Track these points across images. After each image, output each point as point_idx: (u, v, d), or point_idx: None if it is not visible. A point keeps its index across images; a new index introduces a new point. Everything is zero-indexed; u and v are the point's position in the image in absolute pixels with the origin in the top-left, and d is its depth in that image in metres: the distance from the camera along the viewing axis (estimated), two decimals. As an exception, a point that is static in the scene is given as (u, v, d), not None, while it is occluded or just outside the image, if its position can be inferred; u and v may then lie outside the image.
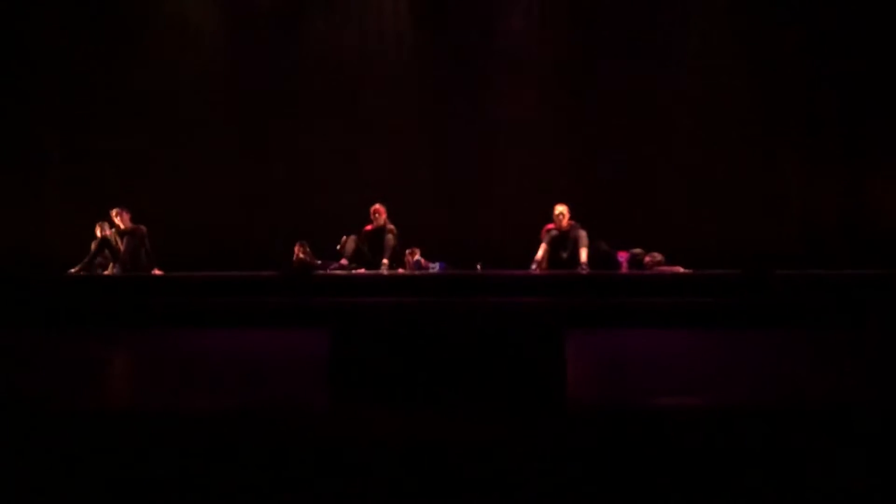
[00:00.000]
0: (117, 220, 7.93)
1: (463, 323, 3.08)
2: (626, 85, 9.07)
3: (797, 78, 8.98)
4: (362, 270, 7.82)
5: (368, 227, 8.10)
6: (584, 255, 7.46)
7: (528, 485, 2.33)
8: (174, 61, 9.36)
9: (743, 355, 4.81)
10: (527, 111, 9.23)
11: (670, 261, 7.68)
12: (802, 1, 8.96)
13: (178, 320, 6.27)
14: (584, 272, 7.29)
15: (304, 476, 2.38)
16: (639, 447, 2.49)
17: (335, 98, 9.36)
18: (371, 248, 8.01)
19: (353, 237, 8.02)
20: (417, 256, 8.11)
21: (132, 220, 7.98)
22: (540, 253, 7.69)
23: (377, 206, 8.10)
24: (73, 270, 7.72)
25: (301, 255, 8.05)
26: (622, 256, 7.77)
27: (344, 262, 7.86)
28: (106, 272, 7.80)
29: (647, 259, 7.66)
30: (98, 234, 7.95)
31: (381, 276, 7.44)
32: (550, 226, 7.80)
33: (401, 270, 7.95)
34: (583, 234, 7.59)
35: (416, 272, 7.91)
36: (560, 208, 7.79)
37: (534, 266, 7.60)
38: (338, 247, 8.02)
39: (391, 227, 8.05)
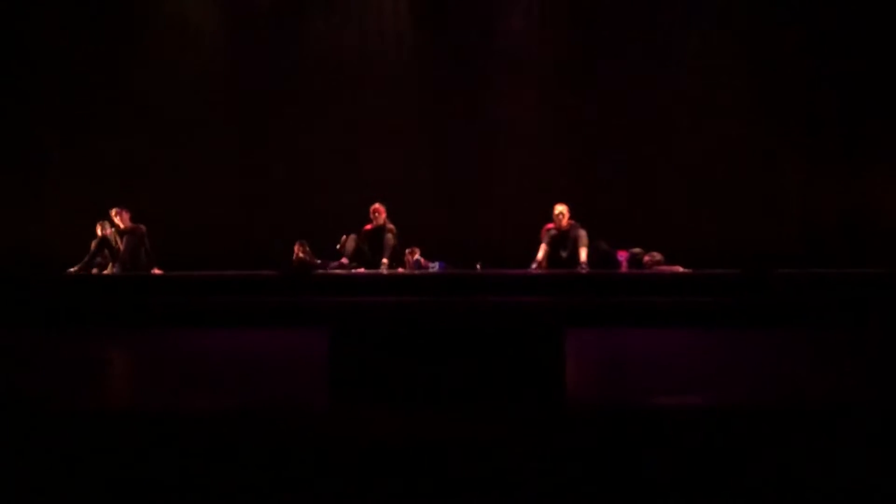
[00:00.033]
0: (117, 220, 7.93)
1: (463, 322, 3.08)
2: (626, 85, 9.07)
3: (797, 78, 8.98)
4: (362, 270, 7.82)
5: (368, 227, 8.10)
6: (583, 254, 7.47)
7: (528, 485, 2.33)
8: (174, 61, 9.36)
9: (743, 355, 4.81)
10: (527, 111, 9.24)
11: (670, 260, 7.68)
12: (802, 1, 8.96)
13: (177, 320, 6.27)
14: (583, 271, 7.30)
15: (304, 476, 2.38)
16: (638, 447, 2.49)
17: (335, 98, 9.36)
18: (371, 248, 8.01)
19: (353, 236, 8.02)
20: (417, 256, 8.11)
21: (132, 219, 7.98)
22: (541, 254, 7.69)
23: (377, 205, 8.09)
24: (72, 270, 7.72)
25: (301, 255, 8.05)
26: (622, 256, 7.77)
27: (345, 260, 7.86)
28: (105, 272, 7.80)
29: (647, 258, 7.65)
30: (99, 232, 7.94)
31: (381, 275, 7.44)
32: (550, 225, 7.80)
33: (400, 270, 7.95)
34: (582, 233, 7.60)
35: (416, 272, 7.91)
36: (560, 208, 7.80)
37: (534, 265, 7.60)
38: (337, 246, 8.02)
39: (391, 226, 8.05)
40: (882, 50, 8.70)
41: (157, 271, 7.77)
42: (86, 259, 7.78)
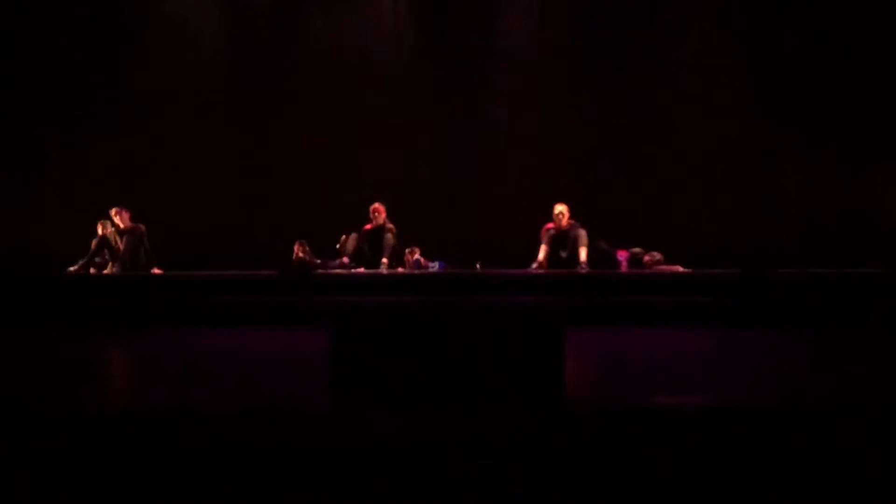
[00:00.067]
0: (117, 220, 7.93)
1: (462, 322, 3.08)
2: (626, 85, 9.07)
3: (797, 78, 8.99)
4: (362, 270, 7.82)
5: (368, 227, 8.10)
6: (583, 254, 7.48)
7: (528, 485, 2.33)
8: (174, 61, 9.37)
9: (743, 355, 4.81)
10: (527, 111, 9.24)
11: (670, 260, 7.68)
12: (802, 1, 8.96)
13: (177, 320, 6.27)
14: (583, 271, 7.30)
15: (304, 476, 2.38)
16: (638, 446, 2.49)
17: (335, 98, 9.36)
18: (371, 248, 8.01)
19: (353, 236, 8.02)
20: (417, 255, 8.11)
21: (132, 219, 7.98)
22: (541, 254, 7.69)
23: (376, 205, 8.10)
24: (72, 269, 7.72)
25: (301, 255, 8.05)
26: (622, 255, 7.77)
27: (345, 260, 7.86)
28: (105, 271, 7.80)
29: (647, 258, 7.66)
30: (100, 231, 7.95)
31: (381, 275, 7.44)
32: (550, 225, 7.80)
33: (400, 270, 7.95)
34: (582, 233, 7.60)
35: (416, 271, 7.91)
36: (560, 208, 7.80)
37: (535, 265, 7.60)
38: (337, 245, 8.02)
39: (390, 226, 8.05)
40: (882, 50, 8.70)
41: (156, 271, 7.77)
42: (85, 258, 7.79)
